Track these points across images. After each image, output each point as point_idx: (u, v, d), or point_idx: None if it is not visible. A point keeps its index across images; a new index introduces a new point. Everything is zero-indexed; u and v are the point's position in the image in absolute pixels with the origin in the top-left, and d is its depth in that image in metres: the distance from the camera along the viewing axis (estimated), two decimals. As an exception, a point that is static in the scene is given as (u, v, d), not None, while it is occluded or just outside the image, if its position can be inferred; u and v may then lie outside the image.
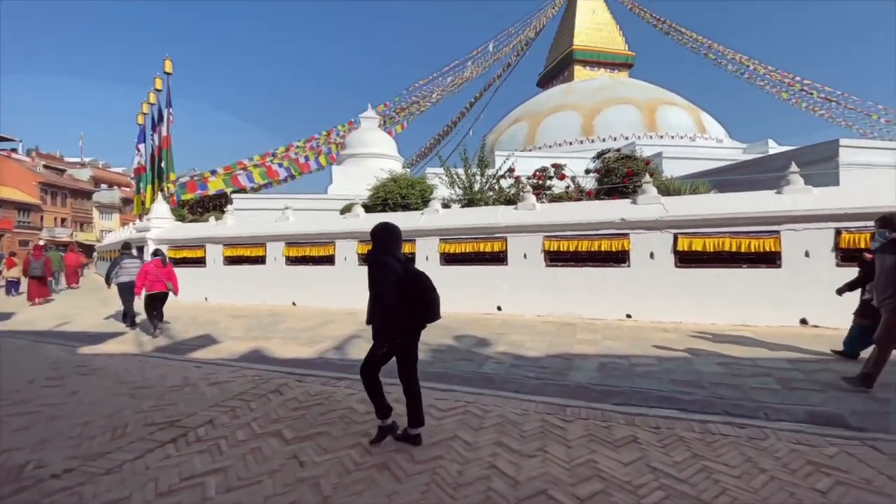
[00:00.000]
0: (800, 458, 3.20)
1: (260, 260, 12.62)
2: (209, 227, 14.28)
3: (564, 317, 9.10)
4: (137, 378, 5.50)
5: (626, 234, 8.85)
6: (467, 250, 10.16)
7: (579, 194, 12.30)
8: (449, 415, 4.12)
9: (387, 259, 3.39)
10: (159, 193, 18.10)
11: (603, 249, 9.00)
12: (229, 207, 15.56)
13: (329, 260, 11.71)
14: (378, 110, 28.98)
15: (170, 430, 3.88)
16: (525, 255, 9.70)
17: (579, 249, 9.17)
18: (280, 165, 26.31)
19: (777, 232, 7.89)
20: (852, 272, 7.40)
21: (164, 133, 19.13)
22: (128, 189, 59.59)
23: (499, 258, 9.93)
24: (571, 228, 9.30)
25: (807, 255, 7.72)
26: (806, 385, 4.85)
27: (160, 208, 15.54)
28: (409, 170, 24.18)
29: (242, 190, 23.72)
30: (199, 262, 13.44)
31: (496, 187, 13.34)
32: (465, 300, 9.93)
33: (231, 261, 13.05)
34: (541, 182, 13.12)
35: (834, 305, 7.65)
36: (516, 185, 12.68)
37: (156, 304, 8.34)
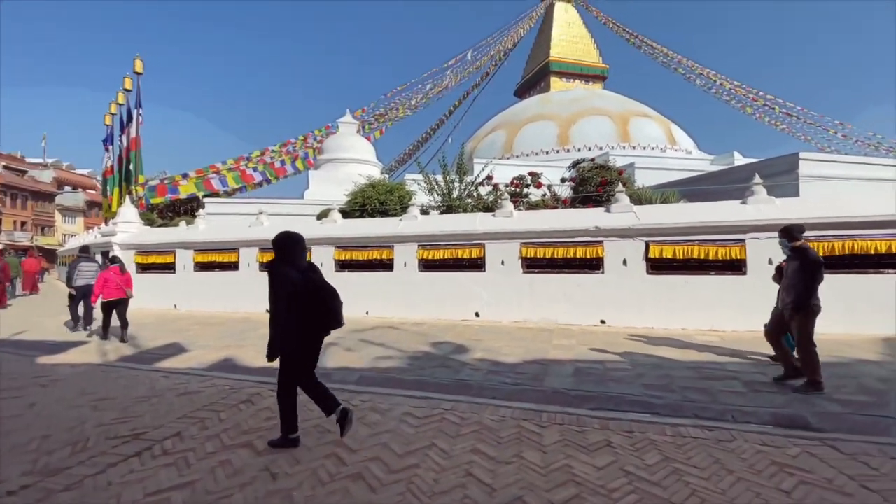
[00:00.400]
0: (765, 458, 3.32)
1: (233, 266, 12.31)
2: (180, 232, 13.85)
3: (541, 323, 9.20)
4: (100, 389, 5.26)
5: (600, 242, 9.05)
6: (446, 257, 10.17)
7: (555, 202, 12.52)
8: (426, 423, 4.09)
9: (284, 269, 3.40)
10: (127, 196, 17.46)
11: (578, 256, 9.17)
12: (201, 212, 15.14)
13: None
14: (356, 115, 28.79)
15: (134, 444, 3.72)
16: (503, 262, 9.78)
17: (555, 256, 9.32)
18: (255, 170, 25.83)
19: (742, 240, 8.21)
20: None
21: (133, 134, 18.52)
22: (93, 192, 57.27)
23: (477, 265, 9.98)
24: (548, 236, 9.45)
25: (770, 262, 8.06)
26: (770, 388, 5.04)
27: (127, 212, 14.98)
28: (387, 175, 24.15)
29: (215, 194, 23.14)
30: (169, 267, 13.01)
31: (475, 194, 13.44)
32: (442, 306, 9.93)
33: (202, 267, 12.68)
34: (518, 190, 13.29)
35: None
36: (494, 193, 12.81)
37: (119, 310, 8.30)
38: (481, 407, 4.47)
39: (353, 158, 23.58)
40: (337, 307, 3.53)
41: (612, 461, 3.30)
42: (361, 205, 13.37)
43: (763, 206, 8.48)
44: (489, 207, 11.99)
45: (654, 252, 8.60)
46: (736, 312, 8.06)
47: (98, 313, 8.65)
